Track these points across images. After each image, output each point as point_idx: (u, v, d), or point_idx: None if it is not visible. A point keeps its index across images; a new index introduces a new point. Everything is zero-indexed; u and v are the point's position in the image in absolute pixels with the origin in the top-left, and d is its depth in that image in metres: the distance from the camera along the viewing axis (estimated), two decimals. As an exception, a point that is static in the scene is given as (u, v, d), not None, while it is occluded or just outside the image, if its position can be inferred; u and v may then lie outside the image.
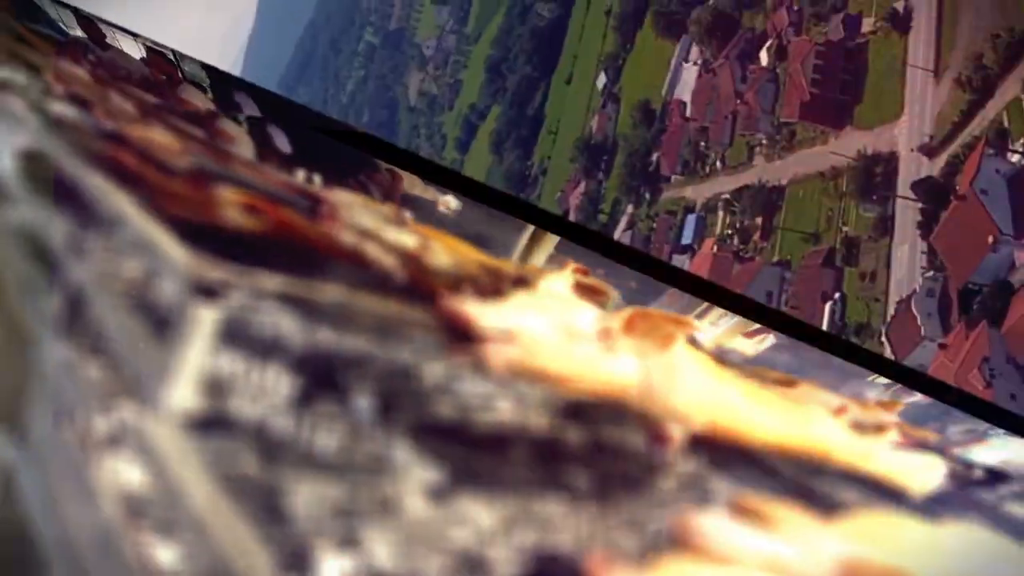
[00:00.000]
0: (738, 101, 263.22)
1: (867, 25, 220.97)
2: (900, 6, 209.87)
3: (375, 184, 5.22)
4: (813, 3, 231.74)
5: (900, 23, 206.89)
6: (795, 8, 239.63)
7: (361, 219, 4.70)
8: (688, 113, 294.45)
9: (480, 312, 4.63)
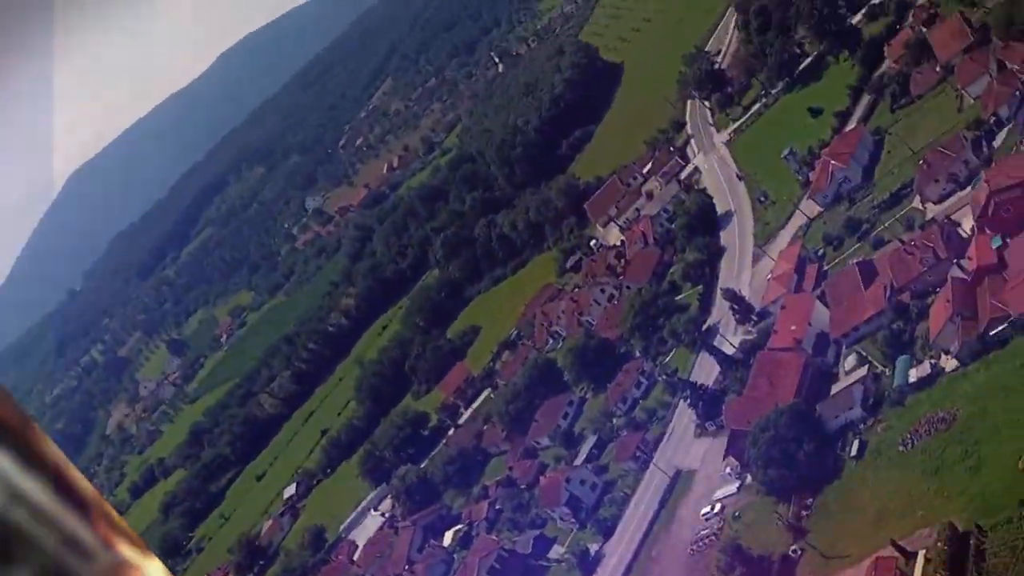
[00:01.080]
0: (407, 567, 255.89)
1: (556, 552, 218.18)
2: (593, 550, 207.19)
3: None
4: (516, 509, 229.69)
5: (587, 565, 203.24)
6: (497, 507, 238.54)
7: (56, 455, 6.46)
8: (356, 557, 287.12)
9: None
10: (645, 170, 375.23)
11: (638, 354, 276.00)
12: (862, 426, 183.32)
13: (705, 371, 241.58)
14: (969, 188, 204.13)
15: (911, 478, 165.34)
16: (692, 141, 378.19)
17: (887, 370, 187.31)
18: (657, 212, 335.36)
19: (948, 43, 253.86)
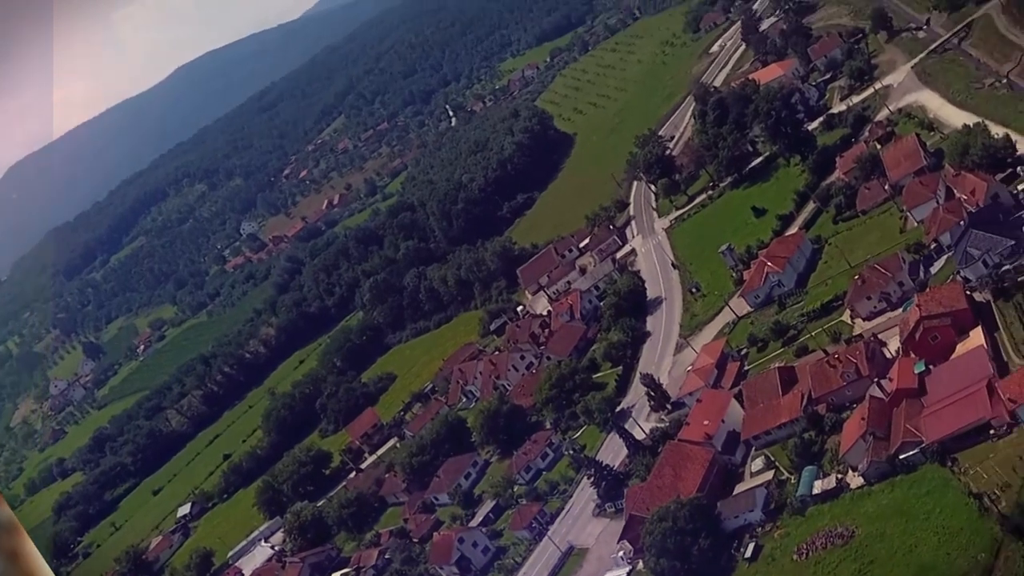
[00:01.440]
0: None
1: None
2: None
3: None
4: (405, 561, 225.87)
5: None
6: (387, 556, 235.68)
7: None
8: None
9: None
10: (582, 244, 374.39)
11: (548, 425, 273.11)
12: (760, 530, 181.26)
13: (612, 452, 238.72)
14: (900, 310, 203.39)
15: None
16: (633, 223, 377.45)
17: (792, 478, 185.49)
18: (588, 288, 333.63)
19: (900, 163, 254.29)
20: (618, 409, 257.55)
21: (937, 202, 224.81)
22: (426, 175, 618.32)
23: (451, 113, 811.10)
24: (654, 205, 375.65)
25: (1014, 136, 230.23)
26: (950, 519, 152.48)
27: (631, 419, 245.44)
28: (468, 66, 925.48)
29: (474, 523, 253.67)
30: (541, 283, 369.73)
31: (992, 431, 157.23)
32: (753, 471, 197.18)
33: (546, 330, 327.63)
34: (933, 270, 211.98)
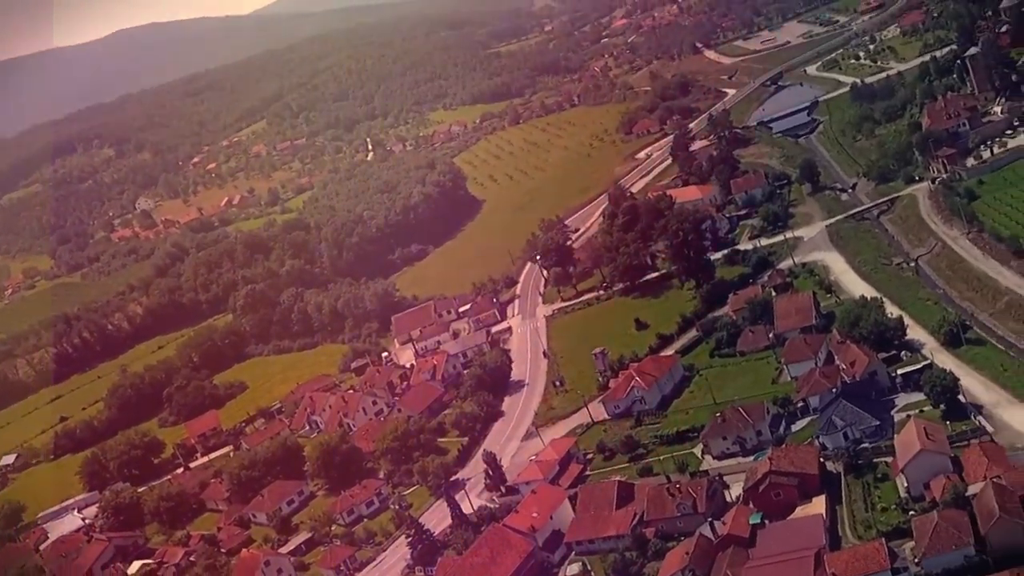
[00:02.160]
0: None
1: None
2: None
3: None
4: (208, 568, 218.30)
5: None
6: (191, 558, 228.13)
7: None
8: (42, 548, 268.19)
9: None
10: (462, 309, 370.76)
11: (382, 475, 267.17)
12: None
13: (437, 519, 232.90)
14: (752, 458, 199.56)
15: None
16: (516, 302, 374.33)
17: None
18: (456, 353, 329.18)
19: (791, 315, 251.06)
20: (453, 478, 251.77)
21: (816, 364, 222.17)
22: (330, 200, 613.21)
23: (370, 147, 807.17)
24: (541, 291, 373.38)
25: (907, 320, 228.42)
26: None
27: (463, 491, 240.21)
28: (399, 106, 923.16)
29: (284, 550, 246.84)
30: (412, 336, 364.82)
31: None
32: (568, 574, 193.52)
33: (405, 382, 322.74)
34: (794, 428, 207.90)
